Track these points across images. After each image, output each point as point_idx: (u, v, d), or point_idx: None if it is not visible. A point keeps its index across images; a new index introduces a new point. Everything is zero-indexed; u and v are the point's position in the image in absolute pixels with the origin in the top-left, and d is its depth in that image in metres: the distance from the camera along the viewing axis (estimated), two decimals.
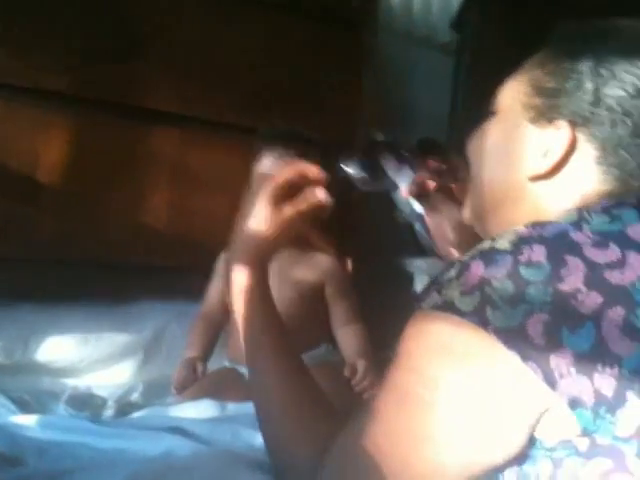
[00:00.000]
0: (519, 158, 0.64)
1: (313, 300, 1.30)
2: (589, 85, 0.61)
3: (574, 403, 0.46)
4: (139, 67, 1.33)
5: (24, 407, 1.09)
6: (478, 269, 0.51)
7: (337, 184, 1.24)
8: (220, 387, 1.16)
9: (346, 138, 1.60)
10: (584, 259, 0.49)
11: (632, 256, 0.49)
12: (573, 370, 0.46)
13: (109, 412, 1.15)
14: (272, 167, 1.14)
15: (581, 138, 0.60)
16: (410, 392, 0.53)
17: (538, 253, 0.50)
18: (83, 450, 0.82)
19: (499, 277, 0.49)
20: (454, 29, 2.31)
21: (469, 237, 0.87)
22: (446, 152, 0.99)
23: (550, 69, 0.65)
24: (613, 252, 0.49)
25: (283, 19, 1.51)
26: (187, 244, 1.36)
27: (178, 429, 0.88)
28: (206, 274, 1.25)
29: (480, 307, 0.49)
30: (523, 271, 0.49)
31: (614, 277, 0.48)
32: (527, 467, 0.51)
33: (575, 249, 0.49)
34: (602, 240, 0.50)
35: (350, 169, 0.92)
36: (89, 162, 1.30)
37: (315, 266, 1.31)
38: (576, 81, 0.62)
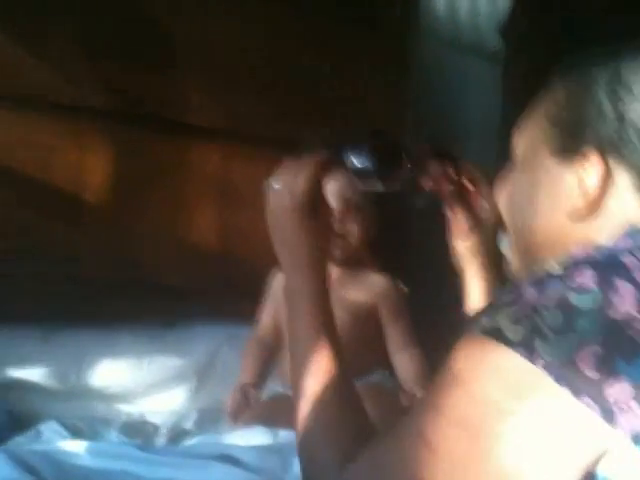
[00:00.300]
0: (555, 201, 0.62)
1: (367, 323, 1.23)
2: (609, 108, 0.58)
3: (638, 439, 0.43)
4: (179, 81, 1.32)
5: (77, 434, 1.07)
6: (530, 296, 0.49)
7: (389, 202, 1.18)
8: (273, 414, 1.11)
9: None
10: (635, 284, 0.47)
11: None
12: (634, 404, 0.43)
13: (161, 440, 1.12)
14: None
15: (614, 164, 0.57)
16: (470, 417, 0.49)
17: (588, 278, 0.48)
18: (130, 479, 0.79)
19: (549, 306, 0.47)
20: (502, 36, 2.24)
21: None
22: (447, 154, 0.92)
23: (564, 100, 0.63)
24: None
25: (326, 27, 1.48)
26: (235, 264, 1.33)
27: (229, 457, 0.84)
28: (256, 294, 1.21)
29: (529, 338, 0.47)
30: (573, 299, 0.47)
31: None
32: None
33: (626, 274, 0.47)
34: None
35: (359, 162, 0.84)
36: (132, 181, 1.29)
37: (368, 287, 1.24)
38: (595, 107, 0.59)
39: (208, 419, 1.22)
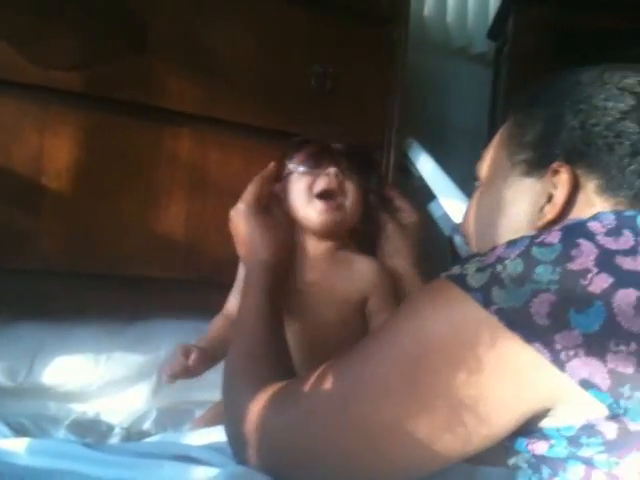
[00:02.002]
0: (525, 215, 0.64)
1: (356, 314, 1.08)
2: (573, 122, 0.62)
3: (586, 384, 0.45)
4: (154, 64, 1.24)
5: (21, 433, 0.98)
6: (499, 249, 0.53)
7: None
8: None
9: (377, 146, 1.51)
10: (597, 244, 0.49)
11: None
12: (582, 351, 0.45)
13: (115, 439, 1.04)
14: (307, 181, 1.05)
15: (581, 173, 0.60)
16: (397, 346, 0.52)
17: (554, 236, 0.51)
18: (74, 478, 0.71)
19: (512, 256, 0.50)
20: (491, 38, 2.22)
21: None
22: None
23: (528, 122, 0.66)
24: (627, 240, 0.49)
25: (313, 22, 1.42)
26: (206, 256, 1.25)
27: (186, 458, 0.76)
28: (225, 286, 1.13)
29: (487, 285, 0.49)
30: (535, 251, 0.49)
31: (627, 263, 0.47)
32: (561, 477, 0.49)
33: (589, 235, 0.50)
34: (616, 229, 0.50)
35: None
36: (98, 165, 1.20)
37: (358, 274, 1.08)
38: (559, 123, 0.63)
39: (168, 418, 1.14)
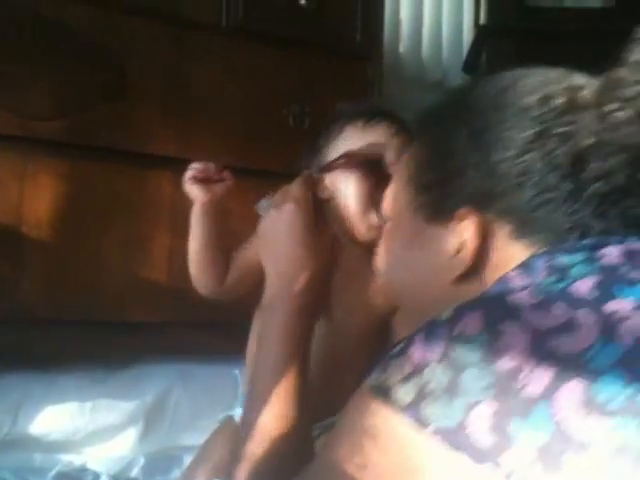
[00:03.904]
0: (433, 265, 0.57)
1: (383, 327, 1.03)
2: (473, 160, 0.54)
3: None
4: (133, 109, 1.25)
5: None
6: (418, 347, 0.44)
7: None
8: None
9: None
10: (525, 325, 0.41)
11: (581, 314, 0.41)
12: (539, 467, 0.38)
13: None
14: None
15: (491, 218, 0.53)
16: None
17: (473, 323, 0.43)
18: None
19: (433, 361, 0.43)
20: (466, 72, 2.26)
21: None
22: None
23: (425, 160, 0.59)
24: (559, 312, 0.42)
25: (287, 61, 1.45)
26: (190, 297, 1.24)
27: None
28: (212, 329, 1.13)
29: (417, 402, 0.42)
30: (457, 350, 0.42)
31: (564, 344, 0.40)
32: None
33: (513, 313, 0.42)
34: (545, 300, 0.43)
35: None
36: (79, 212, 1.21)
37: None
38: (457, 162, 0.55)
39: (156, 465, 1.13)
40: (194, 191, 0.99)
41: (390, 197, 0.63)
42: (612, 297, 0.42)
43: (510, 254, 0.52)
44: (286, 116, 1.42)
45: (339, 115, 0.92)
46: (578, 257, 0.47)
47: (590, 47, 2.05)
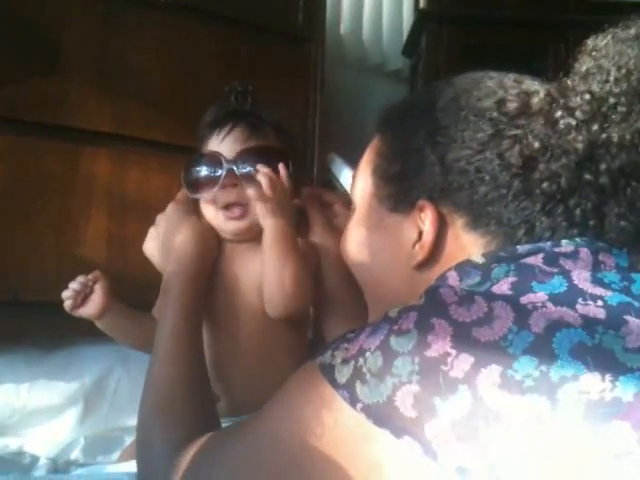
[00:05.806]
0: (397, 255, 0.63)
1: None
2: (432, 157, 0.59)
3: (462, 471, 0.43)
4: (67, 84, 1.22)
5: None
6: (362, 338, 0.50)
7: None
8: None
9: (300, 162, 1.53)
10: (450, 319, 0.47)
11: (498, 308, 0.47)
12: (453, 438, 0.43)
13: (41, 472, 1.00)
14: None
15: (446, 211, 0.59)
16: (259, 449, 0.53)
17: (410, 319, 0.48)
18: None
19: (372, 348, 0.48)
20: (405, 55, 2.30)
21: None
22: None
23: (389, 154, 0.64)
24: (479, 307, 0.47)
25: (228, 40, 1.44)
26: (127, 277, 1.22)
27: None
28: (148, 309, 1.11)
29: (351, 381, 0.48)
30: (393, 342, 0.47)
31: (483, 334, 0.45)
32: None
33: (441, 310, 0.48)
34: (467, 296, 0.48)
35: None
36: (9, 190, 1.17)
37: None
38: (418, 158, 0.60)
39: (96, 447, 1.10)
40: (84, 315, 0.99)
41: (356, 186, 0.69)
42: (527, 291, 0.48)
43: (464, 244, 0.58)
44: (228, 94, 1.40)
45: (205, 118, 1.06)
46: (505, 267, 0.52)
47: (525, 33, 2.13)
